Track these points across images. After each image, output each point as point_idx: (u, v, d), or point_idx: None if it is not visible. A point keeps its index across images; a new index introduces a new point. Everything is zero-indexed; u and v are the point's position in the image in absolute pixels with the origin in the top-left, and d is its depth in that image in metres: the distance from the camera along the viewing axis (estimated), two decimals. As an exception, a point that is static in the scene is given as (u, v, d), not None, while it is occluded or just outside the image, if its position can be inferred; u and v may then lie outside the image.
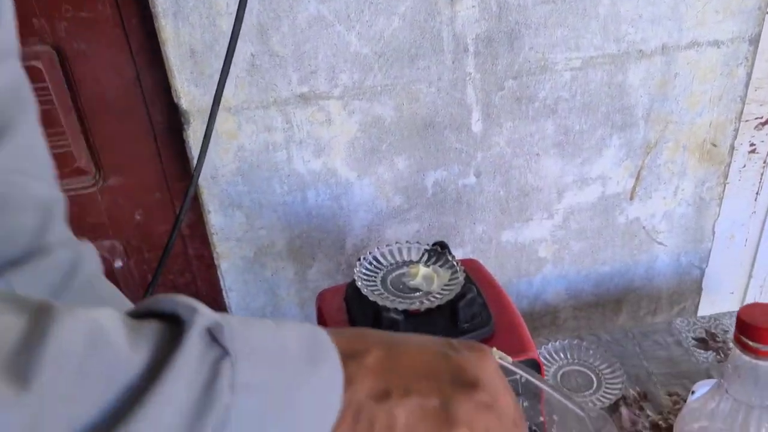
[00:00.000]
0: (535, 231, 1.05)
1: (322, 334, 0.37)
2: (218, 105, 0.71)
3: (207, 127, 0.71)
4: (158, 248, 1.02)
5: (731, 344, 0.54)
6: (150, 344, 0.29)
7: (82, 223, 0.98)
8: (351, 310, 0.76)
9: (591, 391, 0.88)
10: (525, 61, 0.90)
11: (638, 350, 0.94)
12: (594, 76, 0.93)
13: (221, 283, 1.01)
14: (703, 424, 0.57)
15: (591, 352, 0.93)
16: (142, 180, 0.96)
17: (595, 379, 0.90)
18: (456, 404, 0.39)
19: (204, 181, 0.91)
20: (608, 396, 0.86)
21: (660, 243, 1.10)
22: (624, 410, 0.85)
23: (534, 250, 1.07)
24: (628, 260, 1.11)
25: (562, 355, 0.93)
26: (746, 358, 0.52)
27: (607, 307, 1.15)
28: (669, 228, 1.09)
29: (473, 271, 0.82)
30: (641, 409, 0.86)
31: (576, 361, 0.93)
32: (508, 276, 1.09)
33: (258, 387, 0.32)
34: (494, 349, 0.59)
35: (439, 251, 0.77)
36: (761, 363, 0.51)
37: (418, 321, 0.72)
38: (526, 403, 0.63)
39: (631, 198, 1.05)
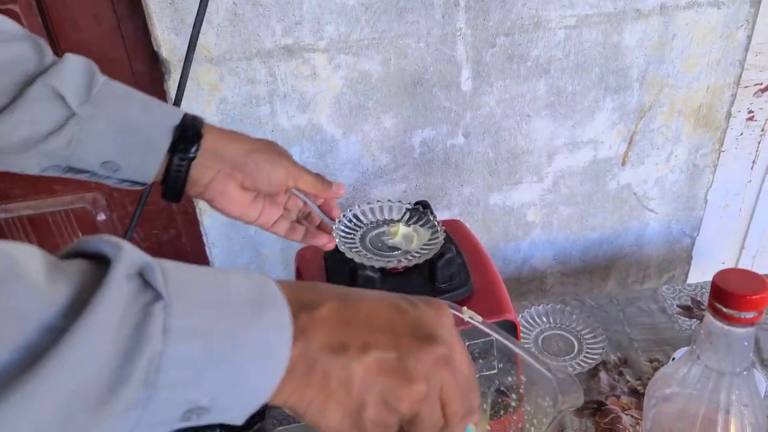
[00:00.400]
0: (524, 194, 1.03)
1: (270, 283, 0.35)
2: (193, 52, 0.69)
3: (182, 74, 0.69)
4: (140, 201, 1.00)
5: (707, 310, 0.53)
6: (71, 282, 0.28)
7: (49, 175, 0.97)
8: (329, 269, 0.75)
9: (572, 356, 0.87)
10: (518, 17, 0.87)
11: (622, 316, 0.93)
12: (588, 35, 0.90)
13: (204, 238, 1.00)
14: (674, 390, 0.56)
15: (574, 317, 0.92)
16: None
17: (576, 343, 0.89)
18: (413, 359, 0.38)
19: (186, 134, 0.90)
20: (588, 361, 0.86)
21: (651, 210, 1.08)
22: (603, 375, 0.85)
23: (522, 214, 1.06)
24: (618, 227, 1.09)
25: (544, 319, 0.93)
26: (718, 324, 0.51)
27: (595, 273, 1.14)
28: (661, 195, 1.07)
29: (456, 232, 0.81)
30: (621, 374, 0.85)
31: (558, 325, 0.92)
32: (495, 240, 1.07)
33: (194, 332, 0.30)
34: (465, 308, 0.58)
35: (420, 211, 0.76)
36: (733, 329, 0.50)
37: (396, 280, 0.72)
38: (501, 365, 0.63)
39: (623, 163, 1.03)
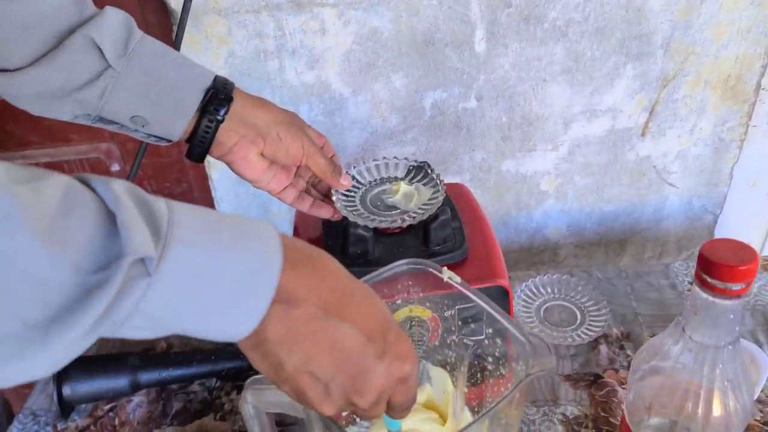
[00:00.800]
0: (537, 162, 1.01)
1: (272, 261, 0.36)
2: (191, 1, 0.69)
3: (179, 23, 0.69)
4: (153, 154, 1.01)
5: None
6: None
7: (77, 124, 0.98)
8: (325, 228, 0.74)
9: (573, 327, 0.85)
10: (535, -24, 0.84)
11: (629, 290, 0.91)
12: (610, -3, 0.87)
13: (213, 193, 1.01)
14: (658, 363, 0.55)
15: (579, 288, 0.90)
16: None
17: (579, 315, 0.87)
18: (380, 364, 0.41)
19: (195, 87, 0.90)
20: (589, 333, 0.84)
21: (671, 184, 1.05)
22: (603, 348, 0.83)
23: (536, 183, 1.03)
24: (635, 200, 1.06)
25: (549, 290, 0.91)
26: (704, 295, 0.49)
27: (610, 247, 1.11)
28: (682, 168, 1.03)
29: (458, 196, 0.79)
30: (622, 348, 0.83)
31: (562, 296, 0.90)
32: (507, 208, 1.05)
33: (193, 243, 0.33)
34: (445, 269, 0.58)
35: (425, 169, 0.75)
36: (719, 301, 0.48)
37: (390, 240, 0.71)
38: (489, 330, 0.62)
39: (643, 134, 0.99)
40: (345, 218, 0.69)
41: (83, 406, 0.79)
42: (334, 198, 0.70)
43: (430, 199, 0.71)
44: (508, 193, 1.04)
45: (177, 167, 1.04)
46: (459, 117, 0.95)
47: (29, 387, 0.84)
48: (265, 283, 0.34)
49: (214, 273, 0.33)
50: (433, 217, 0.69)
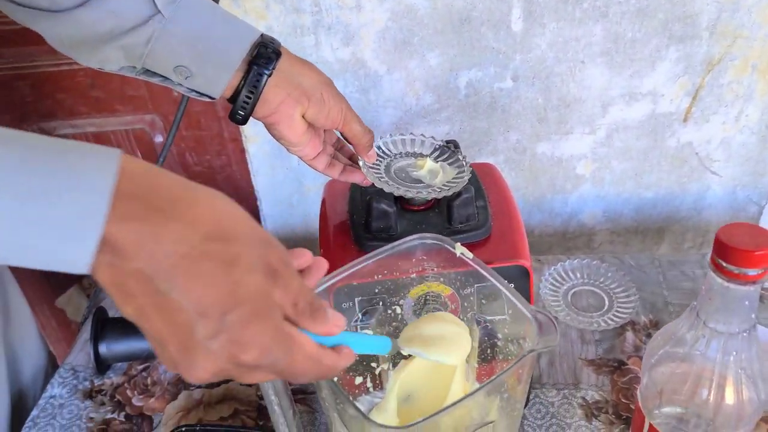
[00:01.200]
0: (574, 146, 0.99)
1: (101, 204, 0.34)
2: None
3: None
4: (194, 127, 1.04)
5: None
6: None
7: (122, 95, 1.02)
8: (351, 201, 0.75)
9: (600, 312, 0.84)
10: (575, -46, 0.83)
11: (661, 279, 0.89)
12: (653, -24, 0.84)
13: (249, 166, 1.03)
14: (672, 348, 0.54)
15: (610, 274, 0.89)
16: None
17: (607, 301, 0.86)
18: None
19: (234, 61, 0.92)
20: (615, 319, 0.83)
21: (714, 173, 1.02)
22: (630, 334, 0.82)
23: (572, 167, 1.02)
24: (675, 188, 1.03)
25: (578, 274, 0.90)
26: (719, 280, 0.48)
27: (648, 235, 1.09)
28: (726, 157, 1.00)
29: (486, 175, 0.79)
30: (648, 336, 0.82)
31: (591, 281, 0.89)
32: (541, 191, 1.04)
33: None
34: (458, 245, 0.58)
35: (451, 149, 0.75)
36: (731, 286, 0.47)
37: (413, 216, 0.71)
38: (510, 311, 0.62)
39: (685, 120, 0.97)
40: (369, 194, 0.70)
41: (118, 365, 0.83)
42: (359, 160, 0.70)
43: (454, 178, 0.71)
44: (544, 176, 1.03)
45: (217, 140, 1.07)
46: (494, 97, 0.95)
47: (70, 344, 0.88)
48: (89, 234, 0.33)
49: (35, 217, 0.32)
50: (456, 195, 0.69)
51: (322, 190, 1.04)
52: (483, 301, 0.63)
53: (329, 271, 0.68)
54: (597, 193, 1.05)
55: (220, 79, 0.59)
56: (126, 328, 0.81)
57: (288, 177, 1.03)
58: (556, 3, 0.86)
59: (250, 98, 0.60)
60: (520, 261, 0.68)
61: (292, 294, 0.40)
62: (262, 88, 0.59)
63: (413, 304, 0.65)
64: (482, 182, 0.76)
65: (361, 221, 0.70)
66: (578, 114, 0.96)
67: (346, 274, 0.58)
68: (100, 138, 1.07)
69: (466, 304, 0.65)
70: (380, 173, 0.71)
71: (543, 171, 1.02)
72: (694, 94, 0.94)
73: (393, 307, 0.64)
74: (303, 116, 0.63)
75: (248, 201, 1.09)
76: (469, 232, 0.69)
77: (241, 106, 0.60)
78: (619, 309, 0.85)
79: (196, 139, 1.06)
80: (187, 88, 0.60)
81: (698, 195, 1.04)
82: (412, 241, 0.58)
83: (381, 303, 0.65)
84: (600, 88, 0.94)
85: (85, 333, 0.87)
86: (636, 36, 0.89)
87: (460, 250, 0.57)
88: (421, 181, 0.71)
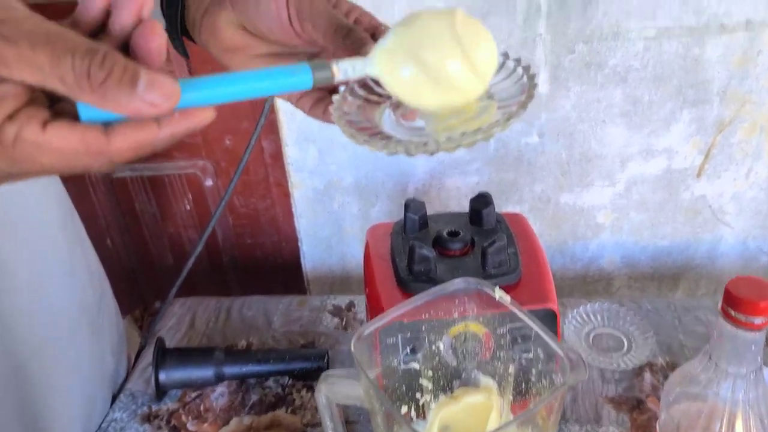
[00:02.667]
0: (595, 197, 1.07)
1: None
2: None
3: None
4: (243, 173, 1.13)
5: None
6: None
7: (179, 142, 1.11)
8: (393, 246, 0.83)
9: (619, 354, 0.91)
10: (597, 26, 0.91)
11: (677, 323, 0.95)
12: (669, 47, 0.93)
13: (293, 209, 1.12)
14: (687, 388, 0.61)
15: (628, 318, 0.95)
16: (233, 108, 1.07)
17: (626, 342, 0.93)
18: None
19: (284, 115, 1.01)
20: (634, 360, 0.89)
21: (726, 224, 1.09)
22: (648, 375, 0.88)
23: (592, 216, 1.09)
24: (690, 237, 1.10)
25: (599, 317, 0.97)
26: (728, 327, 0.55)
27: (664, 281, 1.16)
28: (737, 210, 1.07)
29: (515, 224, 0.87)
30: (666, 377, 0.88)
31: (611, 324, 0.96)
32: (563, 237, 1.12)
33: None
34: (497, 288, 0.65)
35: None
36: (740, 332, 0.54)
37: (451, 261, 0.79)
38: (539, 350, 0.69)
39: (699, 175, 1.04)
40: (410, 239, 0.78)
41: (173, 391, 0.90)
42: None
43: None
44: (566, 224, 1.10)
45: (263, 185, 1.16)
46: (521, 151, 1.03)
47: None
48: None
49: None
50: (491, 243, 0.76)
51: (360, 233, 1.13)
52: (518, 340, 0.70)
53: (377, 311, 0.76)
54: (616, 241, 1.12)
55: None
56: (183, 357, 0.89)
57: (329, 220, 1.11)
58: (579, 69, 0.95)
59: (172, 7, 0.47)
60: (548, 305, 0.75)
61: None
62: None
63: (452, 341, 0.72)
64: (512, 230, 0.84)
65: (404, 264, 0.78)
66: (599, 168, 1.04)
67: (396, 314, 0.65)
68: (154, 180, 1.16)
69: (502, 342, 0.72)
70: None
71: (565, 219, 1.10)
72: (706, 152, 1.02)
73: (437, 344, 0.71)
74: (241, 26, 0.47)
75: (290, 241, 1.18)
76: (501, 277, 0.76)
77: (171, 24, 0.48)
78: (637, 351, 0.91)
79: (243, 183, 1.15)
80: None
81: (711, 245, 1.11)
82: (456, 285, 0.66)
83: (425, 339, 0.72)
84: (619, 145, 1.02)
85: (143, 361, 0.95)
86: (653, 99, 0.97)
87: (499, 293, 0.64)
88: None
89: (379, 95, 0.49)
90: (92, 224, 1.18)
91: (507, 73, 0.52)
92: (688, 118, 0.99)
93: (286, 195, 1.13)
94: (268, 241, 1.20)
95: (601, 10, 0.90)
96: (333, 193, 1.08)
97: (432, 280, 0.76)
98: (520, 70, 0.51)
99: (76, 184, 1.14)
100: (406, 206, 0.83)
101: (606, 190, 1.06)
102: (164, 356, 0.88)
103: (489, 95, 0.50)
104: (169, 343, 0.96)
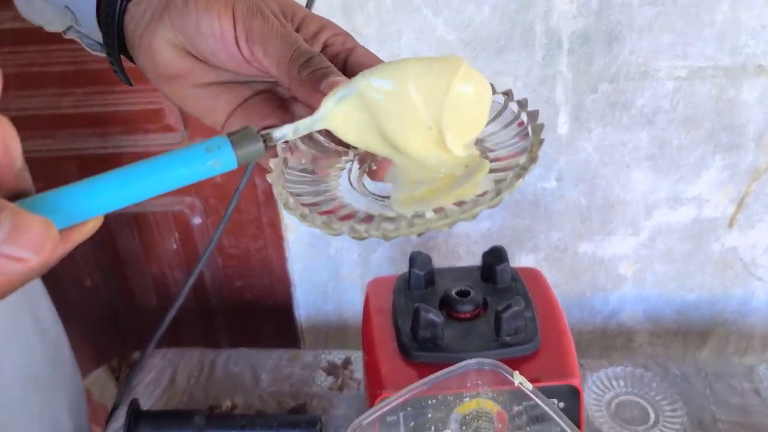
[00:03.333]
0: (616, 246, 0.98)
1: None
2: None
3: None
4: (234, 212, 1.05)
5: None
6: None
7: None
8: (396, 304, 0.74)
9: (646, 427, 0.81)
10: (624, 64, 0.84)
11: (708, 392, 0.86)
12: (701, 88, 0.85)
13: (287, 253, 1.03)
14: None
15: (654, 384, 0.86)
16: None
17: (652, 414, 0.83)
18: None
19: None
20: (663, 435, 0.80)
21: (759, 278, 1.00)
22: (678, 454, 0.79)
23: (614, 266, 1.01)
24: (719, 291, 1.01)
25: (621, 383, 0.87)
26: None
27: (690, 338, 1.07)
28: (772, 263, 0.98)
29: (532, 281, 0.78)
30: (698, 456, 0.79)
31: (636, 391, 0.86)
32: (581, 288, 1.03)
33: None
34: (516, 373, 0.56)
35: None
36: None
37: (461, 326, 0.70)
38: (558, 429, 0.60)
39: (730, 225, 0.95)
40: (415, 300, 0.69)
41: (147, 458, 0.81)
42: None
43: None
44: (584, 275, 1.01)
45: (255, 224, 1.07)
46: (537, 196, 0.95)
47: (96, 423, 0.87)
48: None
49: None
50: (506, 307, 0.68)
51: (360, 280, 1.04)
52: (536, 420, 0.61)
53: (376, 382, 0.67)
54: (638, 294, 1.03)
55: (89, 10, 0.41)
56: (159, 422, 0.80)
57: (325, 265, 1.03)
58: (603, 109, 0.87)
59: (109, 25, 0.40)
60: (571, 380, 0.66)
61: None
62: (121, 8, 0.39)
63: (461, 419, 0.63)
64: (529, 289, 0.75)
65: (407, 329, 0.69)
66: (622, 216, 0.95)
67: (398, 401, 0.56)
68: (138, 217, 1.08)
69: (517, 421, 0.63)
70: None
71: (584, 270, 1.01)
72: (739, 201, 0.93)
73: (443, 422, 0.62)
74: (180, 45, 0.39)
75: (283, 285, 1.09)
76: (516, 346, 0.68)
77: (108, 42, 0.41)
78: (666, 423, 0.82)
79: (234, 222, 1.07)
80: (87, 39, 0.45)
81: (742, 300, 1.02)
82: (468, 365, 0.57)
83: (430, 416, 0.63)
84: (644, 192, 0.93)
85: (116, 423, 0.86)
86: (682, 143, 0.89)
87: (519, 379, 0.55)
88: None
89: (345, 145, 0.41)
90: (69, 262, 1.10)
91: (508, 119, 0.42)
92: (721, 164, 0.90)
93: (279, 237, 1.04)
94: (260, 284, 1.11)
95: (628, 48, 0.82)
96: (330, 237, 1.00)
97: (438, 348, 0.68)
98: (524, 116, 0.41)
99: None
100: (411, 260, 0.75)
101: (629, 239, 0.98)
102: (138, 421, 0.79)
103: (481, 150, 0.41)
104: (147, 401, 0.87)
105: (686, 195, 0.93)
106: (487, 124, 0.43)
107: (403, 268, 0.76)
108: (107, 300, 1.15)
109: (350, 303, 1.05)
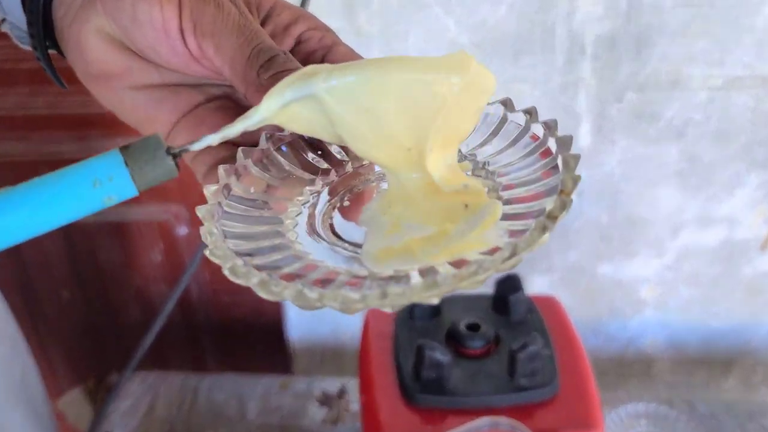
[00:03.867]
0: (638, 268, 0.91)
1: None
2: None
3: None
4: (223, 223, 0.97)
5: None
6: None
7: (150, 186, 0.95)
8: (398, 338, 0.66)
9: (671, 473, 0.74)
10: (653, 72, 0.76)
11: (740, 433, 0.78)
12: (737, 99, 0.77)
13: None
14: None
15: (681, 424, 0.78)
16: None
17: (678, 458, 0.76)
18: None
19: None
20: (691, 484, 0.72)
21: (792, 305, 0.92)
22: (708, 506, 0.71)
23: (634, 290, 0.93)
24: (748, 318, 0.94)
25: (643, 422, 0.80)
26: None
27: (714, 367, 0.99)
28: (807, 290, 0.91)
29: (548, 312, 0.70)
30: None
31: (659, 431, 0.79)
32: (598, 312, 0.95)
33: None
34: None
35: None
36: None
37: (470, 365, 0.62)
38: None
39: (764, 248, 0.88)
40: (419, 334, 0.62)
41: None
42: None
43: None
44: (602, 299, 0.94)
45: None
46: (553, 213, 0.87)
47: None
48: None
49: None
50: (522, 346, 0.60)
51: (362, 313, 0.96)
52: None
53: (375, 428, 0.60)
54: (660, 319, 0.95)
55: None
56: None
57: (324, 319, 0.95)
58: (629, 120, 0.79)
59: (34, 19, 0.33)
60: (594, 430, 0.59)
61: None
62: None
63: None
64: (546, 322, 0.68)
65: (409, 367, 0.61)
66: (645, 235, 0.88)
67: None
68: (120, 227, 1.00)
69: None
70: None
71: (602, 293, 0.93)
72: (775, 222, 0.85)
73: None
74: (115, 40, 0.32)
75: (273, 303, 1.01)
76: (533, 390, 0.60)
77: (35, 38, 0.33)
78: (693, 470, 0.74)
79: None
80: (20, 31, 0.37)
81: (773, 328, 0.94)
82: (482, 423, 0.49)
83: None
84: (671, 210, 0.85)
85: (87, 457, 0.78)
86: (714, 158, 0.81)
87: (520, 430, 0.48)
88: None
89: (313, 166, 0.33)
90: (43, 273, 1.02)
91: (528, 148, 0.33)
92: (756, 182, 0.83)
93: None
94: (249, 301, 1.03)
95: (658, 54, 0.75)
96: (327, 252, 0.92)
97: (445, 391, 0.60)
98: (551, 143, 0.32)
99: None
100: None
101: (652, 261, 0.90)
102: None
103: (492, 187, 0.32)
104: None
105: (717, 214, 0.85)
106: (502, 151, 0.35)
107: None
108: (85, 314, 1.07)
109: (347, 325, 0.97)
